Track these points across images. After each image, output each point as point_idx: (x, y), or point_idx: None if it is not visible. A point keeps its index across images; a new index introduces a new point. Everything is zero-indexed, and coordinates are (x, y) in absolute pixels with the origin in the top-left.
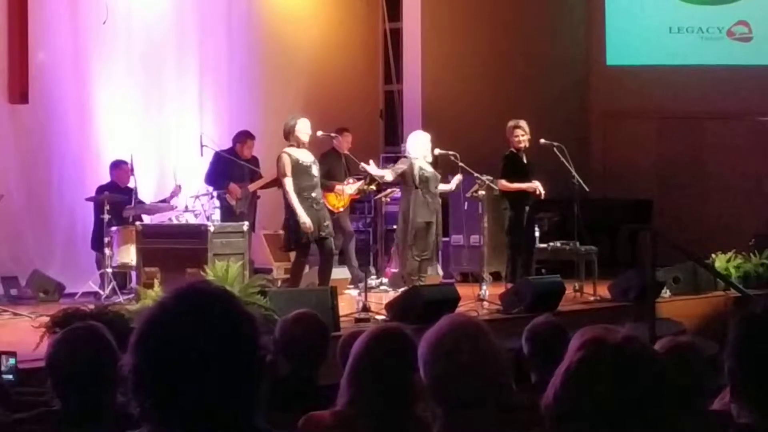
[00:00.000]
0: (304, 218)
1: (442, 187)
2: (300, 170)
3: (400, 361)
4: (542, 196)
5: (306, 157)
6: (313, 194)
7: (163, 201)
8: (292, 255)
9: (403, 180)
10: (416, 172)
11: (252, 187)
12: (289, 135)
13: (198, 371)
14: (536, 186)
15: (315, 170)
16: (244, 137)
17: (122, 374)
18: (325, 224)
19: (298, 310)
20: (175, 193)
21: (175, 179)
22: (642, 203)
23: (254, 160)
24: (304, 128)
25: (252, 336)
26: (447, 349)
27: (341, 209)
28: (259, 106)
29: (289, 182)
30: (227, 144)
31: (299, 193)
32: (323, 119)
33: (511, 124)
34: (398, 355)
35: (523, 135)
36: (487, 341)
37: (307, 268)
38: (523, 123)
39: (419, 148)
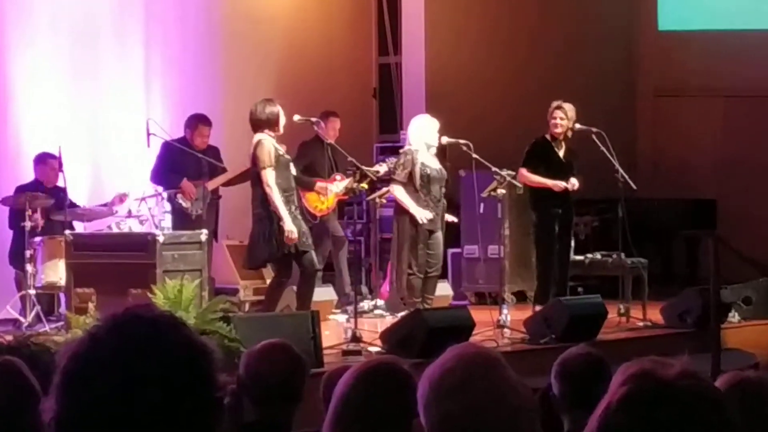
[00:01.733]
0: (289, 224)
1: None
2: (282, 165)
3: (396, 403)
4: (574, 188)
5: (282, 148)
6: (294, 198)
7: (103, 205)
8: (267, 273)
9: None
10: (417, 169)
11: (212, 184)
12: (267, 123)
13: (137, 419)
14: (563, 185)
15: (293, 169)
16: (195, 122)
17: (44, 421)
18: (305, 234)
19: (267, 340)
20: (116, 202)
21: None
22: (703, 203)
23: (213, 151)
24: (281, 113)
25: (206, 374)
26: (454, 388)
27: (326, 212)
28: (219, 84)
29: (271, 175)
30: (180, 132)
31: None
32: (301, 100)
33: (553, 105)
34: (394, 396)
35: (562, 119)
36: (504, 378)
37: None
38: (568, 106)
39: (423, 136)
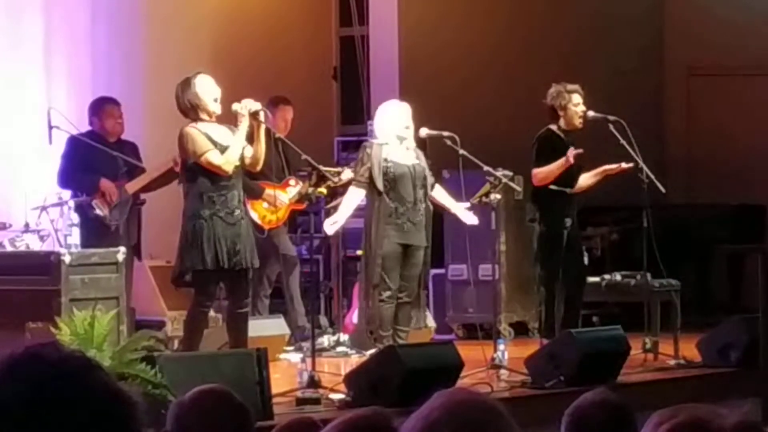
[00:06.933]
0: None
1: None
2: None
3: None
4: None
5: (223, 136)
6: (228, 198)
7: None
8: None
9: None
10: (377, 168)
11: (131, 186)
12: (189, 106)
13: None
14: (572, 153)
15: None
16: (101, 103)
17: None
18: (238, 248)
19: (201, 387)
20: None
21: None
22: (749, 210)
23: (130, 147)
24: (207, 89)
25: (126, 429)
26: None
27: (276, 224)
28: (138, 65)
29: (215, 155)
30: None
31: (202, 193)
32: (242, 84)
33: (560, 89)
34: None
35: (581, 105)
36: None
37: (219, 320)
38: (577, 87)
39: (393, 127)
